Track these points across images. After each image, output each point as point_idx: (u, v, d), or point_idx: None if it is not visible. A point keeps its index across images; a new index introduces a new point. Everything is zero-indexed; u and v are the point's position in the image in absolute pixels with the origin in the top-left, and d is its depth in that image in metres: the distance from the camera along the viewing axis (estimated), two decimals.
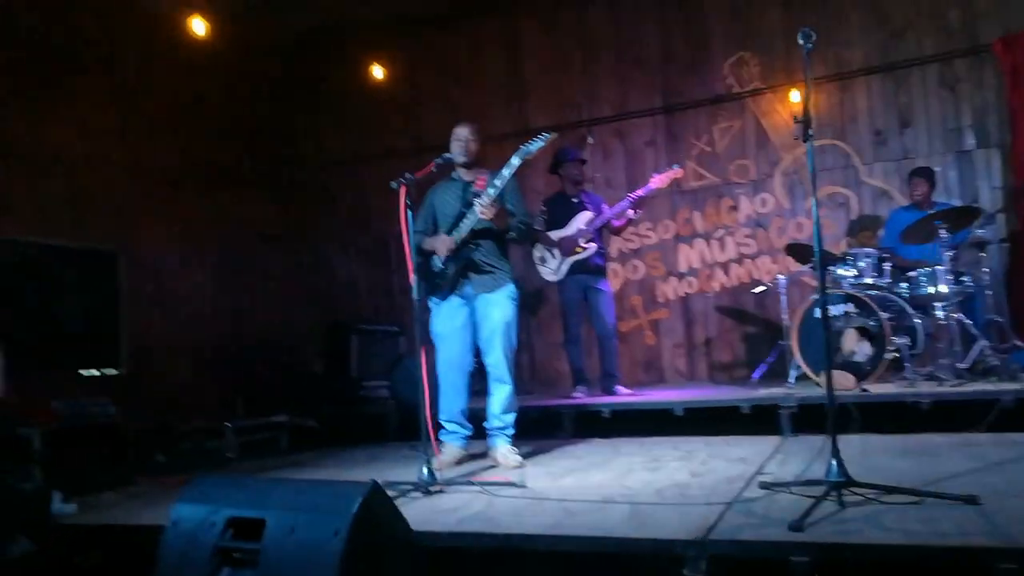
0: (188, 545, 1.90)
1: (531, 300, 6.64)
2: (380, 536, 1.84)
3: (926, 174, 5.50)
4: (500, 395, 3.82)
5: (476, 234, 3.79)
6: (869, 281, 5.01)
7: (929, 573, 1.91)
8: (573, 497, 2.82)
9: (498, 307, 3.80)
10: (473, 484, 3.12)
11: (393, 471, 3.68)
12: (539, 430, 4.83)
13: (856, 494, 2.42)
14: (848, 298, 4.81)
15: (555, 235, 5.45)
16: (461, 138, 3.85)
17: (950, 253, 4.74)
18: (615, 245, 6.96)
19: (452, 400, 3.86)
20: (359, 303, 7.64)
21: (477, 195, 3.66)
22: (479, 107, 7.37)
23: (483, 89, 7.45)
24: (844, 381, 4.56)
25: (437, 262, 3.81)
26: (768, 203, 6.63)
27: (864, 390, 4.40)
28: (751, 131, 6.71)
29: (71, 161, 5.72)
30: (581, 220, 5.44)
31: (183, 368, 6.33)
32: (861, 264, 5.01)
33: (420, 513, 2.63)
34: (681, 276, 6.83)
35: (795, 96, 6.50)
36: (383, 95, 7.55)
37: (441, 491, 3.07)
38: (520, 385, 6.46)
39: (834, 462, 2.42)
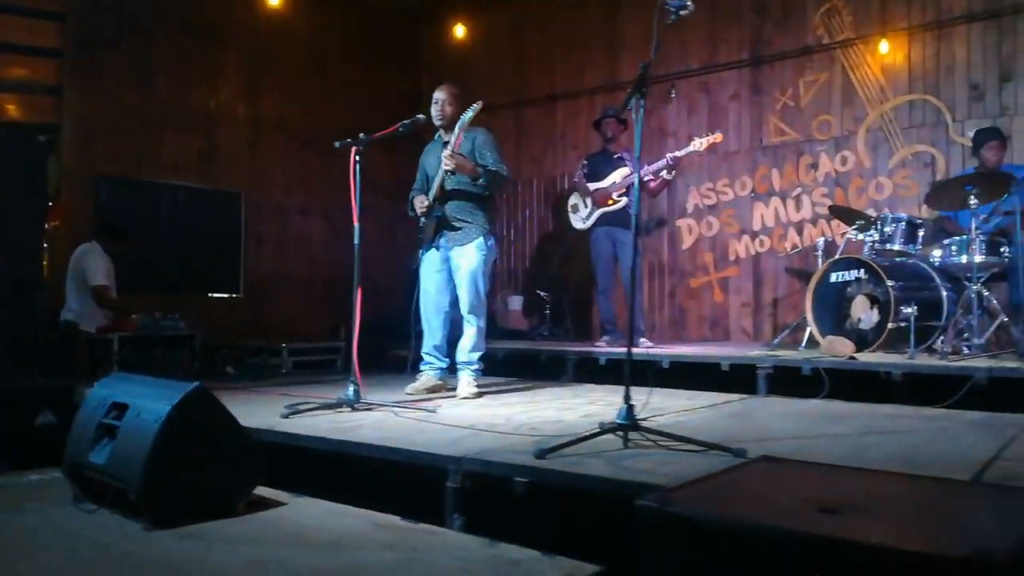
0: (87, 419, 2.64)
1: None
2: (196, 426, 2.44)
3: (998, 135, 5.06)
4: (467, 335, 4.31)
5: (448, 192, 4.25)
6: (896, 248, 4.80)
7: (596, 501, 2.20)
8: (462, 424, 3.25)
9: (466, 258, 4.26)
10: (385, 405, 3.64)
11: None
12: (547, 373, 5.25)
13: (648, 439, 2.67)
14: (860, 264, 4.67)
15: (592, 187, 5.73)
16: (436, 101, 4.28)
17: (982, 220, 4.44)
18: (692, 201, 7.03)
19: (428, 336, 4.40)
20: None
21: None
22: (577, 64, 7.67)
23: (583, 46, 7.68)
24: (842, 347, 4.50)
25: (422, 218, 4.34)
26: (849, 161, 6.34)
27: (852, 358, 4.33)
28: (837, 85, 6.40)
29: (207, 118, 6.86)
30: (618, 175, 5.66)
31: (295, 298, 7.39)
32: (887, 229, 4.81)
33: (316, 423, 3.24)
34: (754, 235, 6.75)
35: (885, 47, 6.12)
36: (491, 54, 8.05)
37: (369, 409, 3.62)
38: (562, 331, 6.91)
39: (624, 407, 2.66)
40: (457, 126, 4.11)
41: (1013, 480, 2.18)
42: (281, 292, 7.31)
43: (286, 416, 3.42)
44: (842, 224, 5.72)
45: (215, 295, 6.99)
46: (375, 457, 2.76)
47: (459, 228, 4.27)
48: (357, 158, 3.67)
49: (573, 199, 5.86)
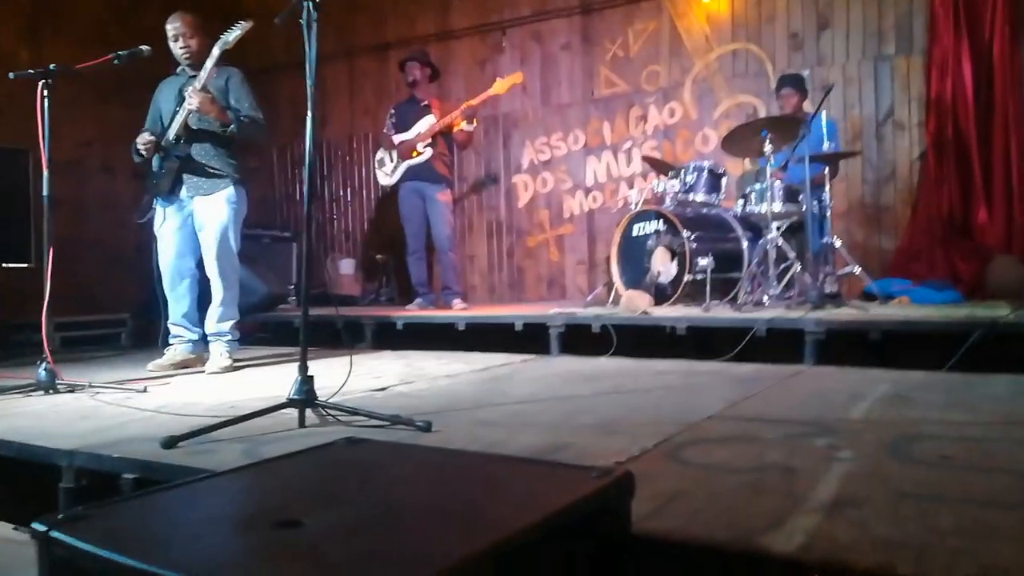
0: None
1: None
2: None
3: (795, 82, 4.92)
4: (216, 302, 3.82)
5: (193, 133, 3.71)
6: (699, 198, 4.62)
7: None
8: (151, 408, 2.74)
9: (214, 211, 3.75)
10: (91, 388, 3.13)
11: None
12: (345, 341, 4.85)
13: (329, 414, 2.32)
14: (659, 216, 4.46)
15: (397, 139, 5.33)
16: (175, 35, 3.73)
17: (777, 167, 4.29)
18: (527, 156, 6.73)
19: (174, 304, 3.89)
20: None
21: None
22: (404, 10, 7.20)
23: None
24: (639, 302, 4.29)
25: (156, 161, 3.77)
26: (676, 113, 6.15)
27: (645, 313, 4.12)
28: (665, 35, 6.19)
29: None
30: (423, 124, 5.27)
31: (98, 266, 6.70)
32: (689, 178, 4.61)
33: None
34: (588, 191, 6.52)
35: None
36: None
37: (70, 391, 3.08)
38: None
39: (299, 379, 2.29)
40: (216, 49, 3.51)
41: (690, 444, 1.94)
42: (80, 260, 6.61)
43: None
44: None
45: (5, 265, 6.24)
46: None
47: (206, 175, 3.75)
48: (46, 92, 3.13)
49: (380, 153, 5.47)
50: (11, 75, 3.20)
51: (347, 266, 7.14)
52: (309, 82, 2.28)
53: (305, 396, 2.27)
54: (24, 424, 2.49)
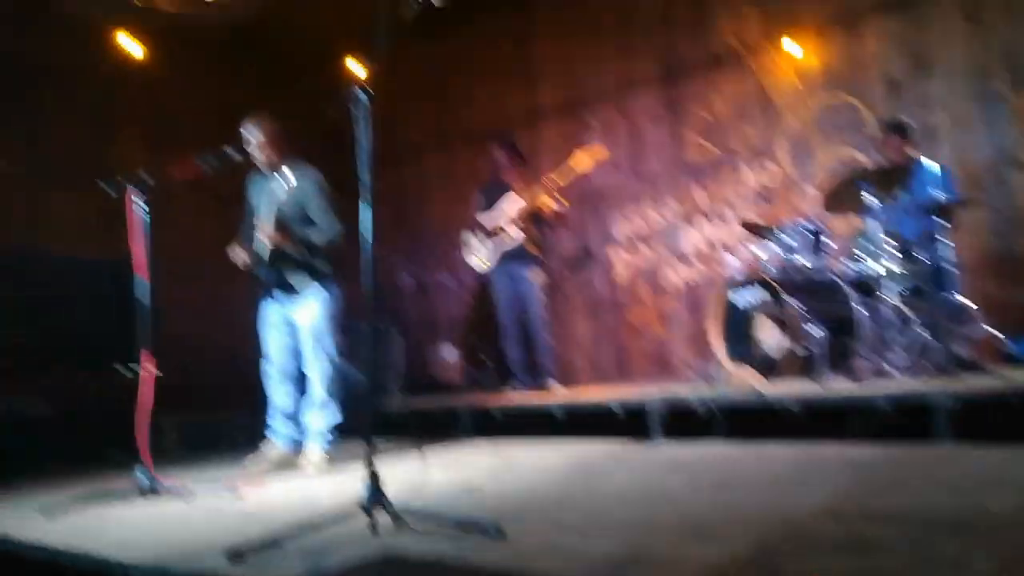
0: None
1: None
2: None
3: (898, 128, 4.59)
4: (313, 401, 3.82)
5: (285, 231, 3.75)
6: (802, 261, 4.31)
7: None
8: (246, 511, 2.74)
9: (306, 313, 3.80)
10: (190, 490, 3.15)
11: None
12: (444, 431, 4.76)
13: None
14: (760, 282, 4.19)
15: (485, 222, 5.34)
16: (249, 142, 3.80)
17: (883, 220, 3.97)
18: (622, 230, 6.60)
19: (274, 400, 3.91)
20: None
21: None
22: (493, 96, 7.32)
23: (497, 77, 7.35)
24: (746, 378, 4.00)
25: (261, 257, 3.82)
26: (772, 173, 5.89)
27: (752, 391, 3.81)
28: (753, 93, 5.99)
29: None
30: (510, 206, 5.25)
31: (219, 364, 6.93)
32: (790, 240, 4.33)
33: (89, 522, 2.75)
34: (687, 261, 6.28)
35: (794, 47, 5.71)
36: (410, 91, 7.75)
37: (159, 496, 3.11)
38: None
39: (369, 482, 2.18)
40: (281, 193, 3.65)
41: (793, 554, 1.68)
42: (207, 359, 6.88)
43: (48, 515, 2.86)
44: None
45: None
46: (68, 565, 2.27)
47: (300, 277, 3.80)
48: (136, 202, 3.27)
49: (469, 237, 5.45)
50: (102, 183, 3.32)
51: (450, 353, 7.12)
52: (363, 174, 2.26)
53: (373, 501, 2.16)
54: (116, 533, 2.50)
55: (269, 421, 3.95)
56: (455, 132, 7.59)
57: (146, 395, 3.22)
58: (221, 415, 5.55)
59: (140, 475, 3.16)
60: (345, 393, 4.39)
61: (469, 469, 3.33)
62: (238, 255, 3.82)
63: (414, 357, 7.52)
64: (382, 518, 2.17)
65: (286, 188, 3.78)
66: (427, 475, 3.06)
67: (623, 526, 2.04)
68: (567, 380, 6.58)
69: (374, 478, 2.19)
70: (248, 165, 3.87)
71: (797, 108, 5.77)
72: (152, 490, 3.15)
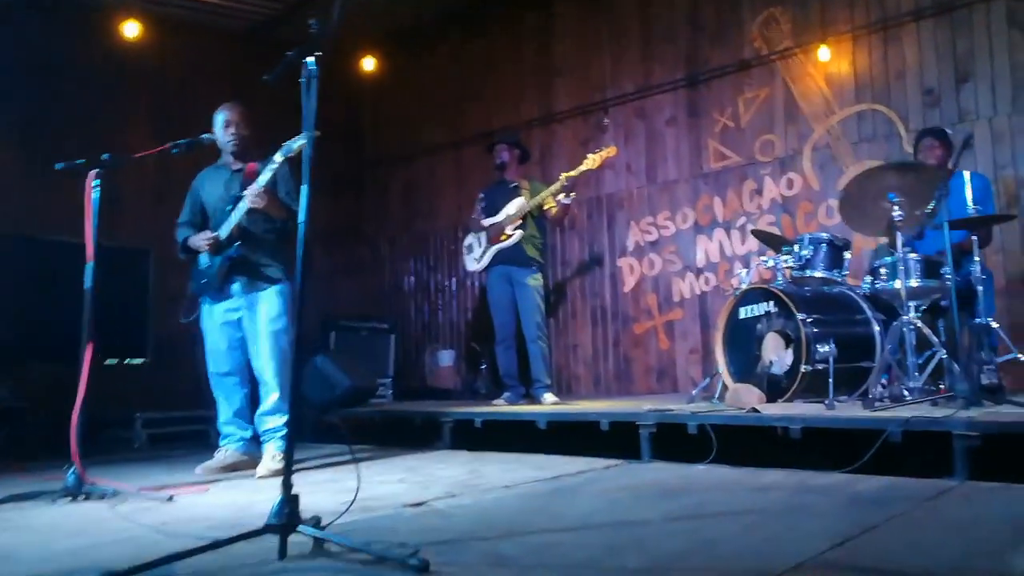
0: None
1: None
2: None
3: (939, 134, 4.25)
4: (269, 398, 3.59)
5: (246, 232, 3.59)
6: (817, 274, 3.98)
7: None
8: (153, 522, 2.44)
9: (268, 306, 3.60)
10: (119, 492, 2.89)
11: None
12: (423, 439, 4.47)
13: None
14: (769, 295, 3.86)
15: (486, 222, 5.05)
16: (228, 123, 3.65)
17: (907, 236, 3.63)
18: (633, 238, 6.29)
19: (223, 402, 3.72)
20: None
21: (247, 184, 3.47)
22: (510, 96, 7.07)
23: (515, 77, 7.10)
24: (746, 397, 3.68)
25: (204, 259, 3.66)
26: (795, 184, 5.55)
27: (754, 410, 3.48)
28: (779, 101, 5.67)
29: None
30: (513, 206, 4.97)
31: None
32: (805, 252, 4.00)
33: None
34: (699, 272, 5.96)
35: (825, 54, 5.38)
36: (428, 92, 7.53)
37: (85, 498, 2.85)
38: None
39: (280, 499, 1.88)
40: (278, 155, 3.37)
41: None
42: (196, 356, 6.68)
43: None
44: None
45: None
46: None
47: (258, 273, 3.61)
48: (95, 183, 3.03)
49: (468, 239, 5.19)
50: (57, 167, 3.10)
51: (447, 358, 6.86)
52: (307, 134, 2.00)
53: (286, 520, 1.87)
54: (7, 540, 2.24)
55: (220, 426, 3.74)
56: (467, 134, 7.33)
57: (82, 389, 2.95)
58: (190, 414, 5.28)
59: (69, 475, 2.91)
60: (324, 393, 4.13)
61: (431, 483, 3.04)
62: (199, 238, 3.62)
63: (411, 360, 7.28)
64: (300, 539, 1.90)
65: (265, 184, 3.52)
66: (370, 489, 2.78)
67: (568, 567, 1.73)
68: (566, 392, 6.28)
69: (290, 496, 1.91)
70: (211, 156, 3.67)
71: (824, 117, 5.43)
72: (78, 491, 2.89)
